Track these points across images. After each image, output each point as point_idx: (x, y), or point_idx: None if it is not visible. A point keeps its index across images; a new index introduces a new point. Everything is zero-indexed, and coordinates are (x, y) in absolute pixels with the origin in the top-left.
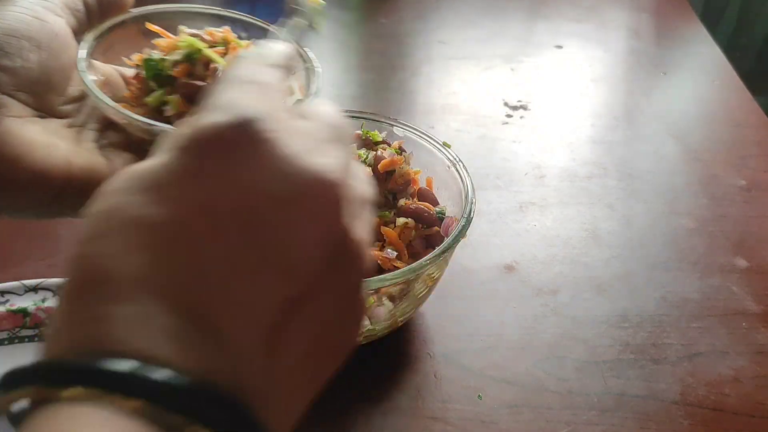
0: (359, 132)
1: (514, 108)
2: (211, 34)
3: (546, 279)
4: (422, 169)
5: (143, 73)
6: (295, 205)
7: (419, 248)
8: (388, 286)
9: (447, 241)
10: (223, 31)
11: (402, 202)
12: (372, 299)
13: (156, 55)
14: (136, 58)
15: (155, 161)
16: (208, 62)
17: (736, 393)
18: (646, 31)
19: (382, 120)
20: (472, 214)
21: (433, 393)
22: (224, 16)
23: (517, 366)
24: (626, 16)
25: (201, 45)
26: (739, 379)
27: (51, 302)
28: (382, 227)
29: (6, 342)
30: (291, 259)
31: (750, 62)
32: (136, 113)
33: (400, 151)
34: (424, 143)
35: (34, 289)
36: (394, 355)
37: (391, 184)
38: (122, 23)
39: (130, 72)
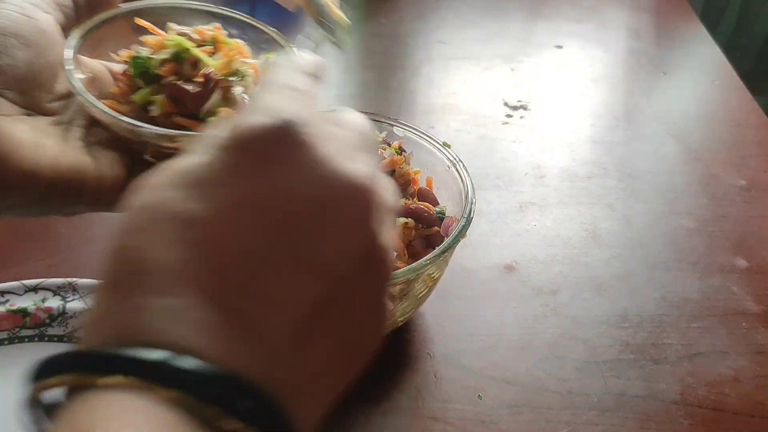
0: None
1: (514, 108)
2: (200, 33)
3: (546, 279)
4: (422, 169)
5: (131, 70)
6: (330, 208)
7: (419, 248)
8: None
9: (447, 241)
10: (214, 29)
11: (402, 202)
12: None
13: (144, 52)
14: (125, 54)
15: (197, 159)
16: (196, 61)
17: (736, 393)
18: (646, 31)
19: (382, 120)
20: (472, 214)
21: (433, 393)
22: (217, 14)
23: (517, 366)
24: (626, 16)
25: (189, 44)
26: (739, 379)
27: (51, 302)
28: None
29: (6, 342)
30: (323, 260)
31: (750, 62)
32: (123, 110)
33: (400, 151)
34: (424, 143)
35: (34, 289)
36: (394, 355)
37: None
38: (111, 19)
39: (119, 67)
